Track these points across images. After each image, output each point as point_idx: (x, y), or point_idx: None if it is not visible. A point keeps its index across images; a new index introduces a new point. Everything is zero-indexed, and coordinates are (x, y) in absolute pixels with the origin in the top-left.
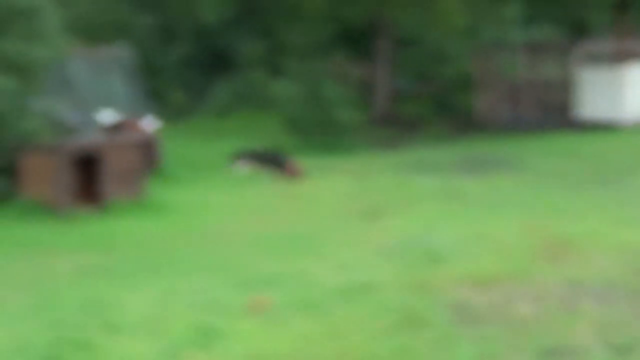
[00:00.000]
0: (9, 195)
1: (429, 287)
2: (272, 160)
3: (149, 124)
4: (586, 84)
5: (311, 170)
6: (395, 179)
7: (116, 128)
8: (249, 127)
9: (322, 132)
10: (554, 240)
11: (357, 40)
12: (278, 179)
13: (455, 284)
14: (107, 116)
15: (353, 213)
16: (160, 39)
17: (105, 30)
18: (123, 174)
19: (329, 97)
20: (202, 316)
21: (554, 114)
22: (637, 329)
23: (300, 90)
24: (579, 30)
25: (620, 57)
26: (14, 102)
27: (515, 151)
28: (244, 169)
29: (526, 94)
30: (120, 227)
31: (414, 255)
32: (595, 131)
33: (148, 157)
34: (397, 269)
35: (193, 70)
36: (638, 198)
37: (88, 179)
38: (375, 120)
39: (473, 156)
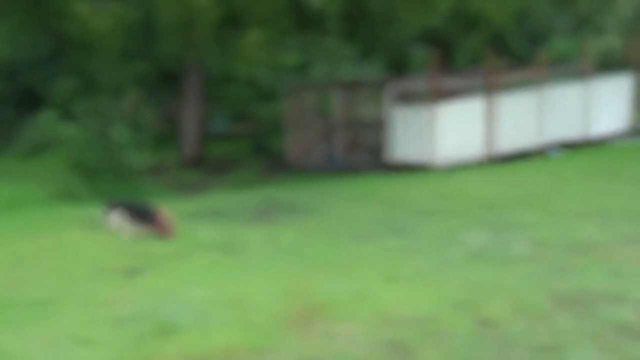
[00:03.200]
0: None
1: None
2: (141, 215)
3: None
4: (398, 123)
5: (87, 221)
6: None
7: None
8: (32, 171)
9: (110, 177)
10: (310, 304)
11: (170, 79)
12: (146, 235)
13: None
14: None
15: (114, 270)
16: None
17: None
18: None
19: (118, 140)
20: None
21: (366, 155)
22: None
23: (87, 133)
24: (401, 68)
25: (432, 96)
26: None
27: (316, 196)
28: (115, 222)
29: (340, 134)
30: None
31: (147, 326)
32: (405, 173)
33: None
34: (121, 344)
35: (3, 108)
36: (426, 246)
37: None
38: (185, 162)
39: (270, 201)
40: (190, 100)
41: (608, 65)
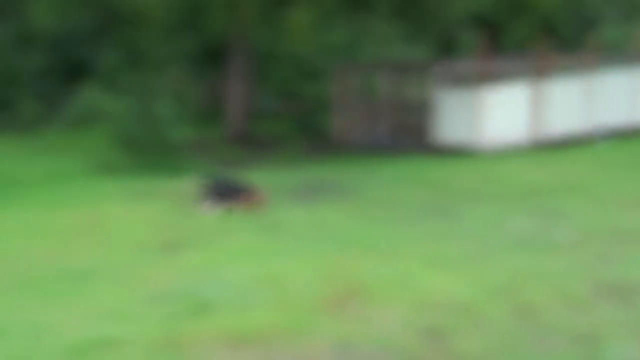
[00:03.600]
0: None
1: (178, 346)
2: (231, 190)
3: None
4: (444, 106)
5: (129, 194)
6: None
7: None
8: (75, 143)
9: (152, 151)
10: (349, 287)
11: (217, 55)
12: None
13: (211, 341)
14: None
15: (154, 245)
16: (15, 46)
17: None
18: None
19: (162, 114)
20: None
21: (411, 136)
22: None
23: (131, 106)
24: (449, 50)
25: (479, 79)
26: None
27: (360, 176)
28: (213, 209)
29: (385, 115)
30: None
31: (184, 303)
32: (450, 156)
33: None
34: (155, 321)
35: (49, 80)
36: (469, 231)
37: None
38: (229, 139)
39: (313, 181)
40: (235, 76)
41: None
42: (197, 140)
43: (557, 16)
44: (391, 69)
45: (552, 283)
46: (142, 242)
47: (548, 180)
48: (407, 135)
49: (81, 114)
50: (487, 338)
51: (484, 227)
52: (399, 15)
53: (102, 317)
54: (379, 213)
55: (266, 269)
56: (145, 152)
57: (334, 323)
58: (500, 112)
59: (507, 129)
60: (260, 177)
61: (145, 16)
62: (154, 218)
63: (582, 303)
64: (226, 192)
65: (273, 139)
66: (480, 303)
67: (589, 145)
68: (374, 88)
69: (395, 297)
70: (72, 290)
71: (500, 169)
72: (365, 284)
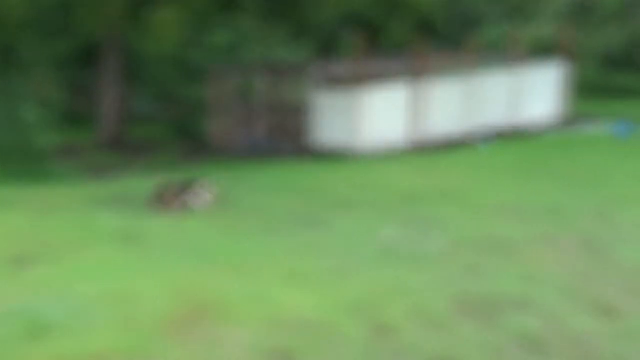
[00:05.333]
0: None
1: None
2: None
3: None
4: (321, 108)
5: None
6: (79, 216)
7: None
8: None
9: (17, 157)
10: (200, 305)
11: (89, 56)
12: None
13: None
14: None
15: (2, 259)
16: None
17: None
18: None
19: (26, 119)
20: None
21: (289, 140)
22: None
23: None
24: (329, 51)
25: (356, 80)
26: None
27: (232, 183)
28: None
29: (262, 118)
30: None
31: (18, 326)
32: (328, 160)
33: None
34: None
35: None
36: (336, 242)
37: None
38: (102, 144)
39: None
40: (109, 78)
41: (540, 53)
42: (68, 146)
43: (436, 16)
44: (268, 70)
45: (413, 299)
46: None
47: (424, 186)
48: (285, 139)
49: None
50: None
51: (353, 237)
52: (275, 16)
53: None
54: (247, 223)
55: (116, 285)
56: (9, 159)
57: (177, 345)
58: (378, 114)
59: (386, 132)
60: (130, 183)
61: (9, 15)
62: (10, 229)
63: (441, 322)
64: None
65: (148, 143)
66: (336, 321)
67: (470, 147)
68: (251, 90)
69: (247, 317)
70: None
71: (376, 174)
72: (217, 302)
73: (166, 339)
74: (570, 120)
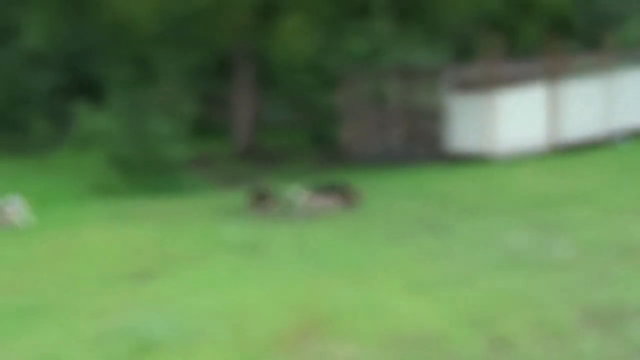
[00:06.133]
0: None
1: None
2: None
3: None
4: (456, 112)
5: (114, 217)
6: (203, 227)
7: None
8: (75, 165)
9: (147, 171)
10: (315, 319)
11: (222, 66)
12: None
13: None
14: None
15: (123, 274)
16: (24, 66)
17: None
18: None
19: (155, 132)
20: None
21: (424, 145)
22: None
23: (123, 125)
24: (465, 54)
25: (491, 83)
26: None
27: (363, 190)
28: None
29: (396, 123)
30: None
31: (127, 343)
32: (463, 165)
33: None
34: None
35: (60, 100)
36: (459, 249)
37: None
38: (237, 153)
39: None
40: (243, 88)
41: None
42: (202, 157)
43: (572, 15)
44: (401, 75)
45: (536, 310)
46: (112, 270)
47: (559, 188)
48: (420, 144)
49: (82, 134)
50: None
51: (478, 244)
52: (404, 20)
53: None
54: (370, 229)
55: (232, 298)
56: (140, 172)
57: None
58: (514, 117)
59: (523, 135)
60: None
61: (140, 28)
62: (134, 243)
63: (564, 334)
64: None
65: (283, 152)
66: (453, 335)
67: (608, 147)
68: (384, 96)
69: (362, 330)
70: (14, 331)
71: (509, 178)
72: (332, 314)
73: (275, 356)
74: None
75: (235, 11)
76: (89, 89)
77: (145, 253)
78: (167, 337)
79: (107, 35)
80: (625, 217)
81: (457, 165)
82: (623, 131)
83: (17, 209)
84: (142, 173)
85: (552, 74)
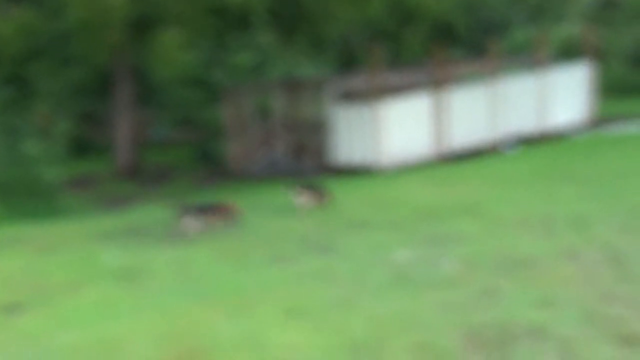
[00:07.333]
0: None
1: None
2: (205, 209)
3: None
4: (341, 124)
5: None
6: (80, 253)
7: None
8: None
9: (23, 194)
10: (190, 352)
11: (105, 84)
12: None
13: None
14: None
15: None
16: None
17: None
18: None
19: (29, 154)
20: None
21: (310, 158)
22: None
23: None
24: (350, 65)
25: (374, 94)
26: None
27: (246, 207)
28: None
29: (281, 137)
30: None
31: None
32: (349, 176)
33: None
34: None
35: None
36: (345, 269)
37: None
38: (118, 173)
39: None
40: (123, 105)
41: (569, 54)
42: (82, 177)
43: (456, 23)
44: (286, 88)
45: (420, 333)
46: None
47: (445, 200)
48: (306, 157)
49: None
50: None
51: (364, 262)
52: (286, 32)
53: None
54: (253, 251)
55: (104, 331)
56: (16, 196)
57: None
58: (399, 127)
59: (409, 145)
60: (142, 214)
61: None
62: (5, 273)
63: (450, 359)
64: (204, 210)
65: (166, 170)
66: None
67: (496, 155)
68: (268, 109)
69: None
70: None
71: (395, 190)
72: (208, 346)
73: None
74: (598, 122)
75: (109, 26)
76: None
77: (17, 284)
78: None
79: None
80: (508, 228)
81: (342, 178)
82: (510, 138)
83: None
84: (19, 197)
85: (437, 83)
